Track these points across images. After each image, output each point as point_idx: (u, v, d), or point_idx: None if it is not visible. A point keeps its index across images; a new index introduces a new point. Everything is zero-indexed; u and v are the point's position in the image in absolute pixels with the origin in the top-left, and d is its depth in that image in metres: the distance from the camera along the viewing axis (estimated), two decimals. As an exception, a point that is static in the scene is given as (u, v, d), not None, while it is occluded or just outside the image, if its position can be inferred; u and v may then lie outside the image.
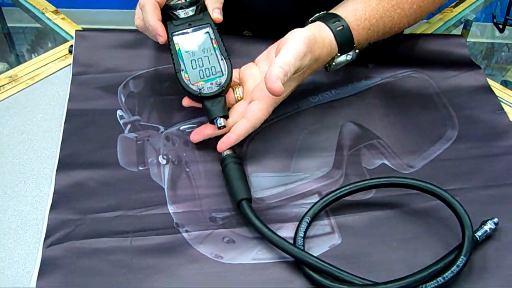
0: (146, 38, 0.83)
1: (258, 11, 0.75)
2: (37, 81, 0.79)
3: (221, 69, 0.66)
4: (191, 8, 0.70)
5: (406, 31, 0.90)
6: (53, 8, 0.94)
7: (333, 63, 0.71)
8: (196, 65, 0.67)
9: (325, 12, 0.72)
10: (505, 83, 1.21)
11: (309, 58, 0.66)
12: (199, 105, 0.68)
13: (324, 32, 0.69)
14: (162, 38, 0.67)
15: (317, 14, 0.72)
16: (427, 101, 0.78)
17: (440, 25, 0.96)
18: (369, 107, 0.76)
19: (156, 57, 0.81)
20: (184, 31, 0.69)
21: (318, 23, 0.69)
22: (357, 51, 0.72)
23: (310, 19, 0.72)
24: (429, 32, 0.93)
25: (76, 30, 0.84)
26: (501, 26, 1.04)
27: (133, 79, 0.78)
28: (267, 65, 0.69)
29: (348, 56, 0.71)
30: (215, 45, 0.68)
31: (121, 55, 0.81)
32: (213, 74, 0.66)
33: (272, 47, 0.71)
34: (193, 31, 0.69)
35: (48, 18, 0.92)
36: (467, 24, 1.02)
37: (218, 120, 0.65)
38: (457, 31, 1.02)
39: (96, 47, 0.82)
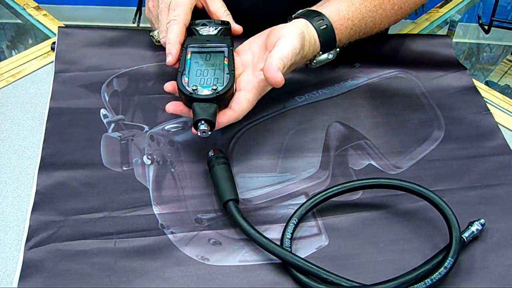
0: (131, 36, 0.82)
1: (246, 11, 0.75)
2: (19, 79, 0.77)
3: (223, 81, 0.64)
4: (213, 28, 0.71)
5: (393, 31, 0.90)
6: (34, 4, 0.92)
7: (314, 61, 0.72)
8: (200, 73, 0.65)
9: (308, 9, 0.72)
10: (488, 84, 1.22)
11: (300, 55, 0.66)
12: (183, 112, 0.66)
13: (310, 30, 0.69)
14: (172, 60, 0.67)
15: (300, 11, 0.72)
16: (414, 101, 0.78)
17: (426, 25, 0.96)
18: (356, 107, 0.76)
19: (140, 55, 0.80)
20: (201, 45, 0.69)
21: (304, 20, 0.69)
22: (338, 49, 0.72)
23: (294, 15, 0.72)
24: (415, 32, 0.94)
25: (59, 27, 0.83)
26: (486, 27, 1.04)
27: (117, 78, 0.77)
28: (251, 55, 0.69)
29: (330, 54, 0.72)
30: (225, 62, 0.67)
31: (105, 53, 0.80)
32: (213, 84, 0.63)
33: (255, 38, 0.71)
34: (209, 47, 0.69)
35: (29, 14, 0.91)
36: (452, 25, 1.02)
37: (201, 125, 0.61)
38: (443, 31, 1.02)
39: (79, 44, 0.81)
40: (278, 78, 0.60)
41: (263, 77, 0.63)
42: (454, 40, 1.15)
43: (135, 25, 0.98)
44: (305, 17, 0.70)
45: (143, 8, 0.85)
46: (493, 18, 1.04)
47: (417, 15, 0.99)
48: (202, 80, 0.64)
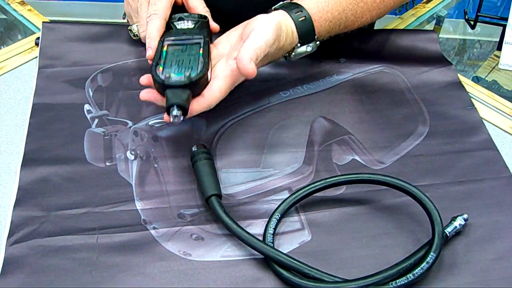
0: (115, 31, 0.82)
1: (227, 13, 0.75)
2: (2, 74, 0.77)
3: (197, 68, 0.63)
4: (191, 22, 0.71)
5: (378, 27, 0.90)
6: (19, -2, 0.92)
7: (293, 53, 0.71)
8: (175, 63, 0.64)
9: (288, 1, 0.72)
10: (476, 79, 1.22)
11: (275, 46, 0.66)
12: (157, 99, 0.65)
13: (288, 21, 0.69)
14: (152, 54, 0.66)
15: (281, 3, 0.72)
16: (399, 96, 0.78)
17: (413, 20, 0.96)
18: (340, 102, 0.76)
19: (125, 51, 0.79)
20: (177, 37, 0.69)
21: (282, 12, 0.69)
22: (318, 42, 0.72)
23: (274, 7, 0.72)
24: (402, 27, 0.94)
25: (43, 22, 0.83)
26: (472, 23, 1.05)
27: (101, 73, 0.76)
28: (228, 46, 0.69)
29: (308, 47, 0.71)
30: (200, 51, 0.66)
31: (89, 48, 0.79)
32: (187, 71, 0.62)
33: (233, 30, 0.71)
34: (186, 39, 0.69)
35: (14, 9, 0.90)
36: (439, 20, 1.02)
37: (173, 109, 0.59)
38: (430, 26, 1.02)
39: (64, 39, 0.80)
40: (250, 70, 0.60)
41: (236, 67, 0.62)
42: (443, 36, 1.15)
43: (125, 20, 0.98)
44: (284, 9, 0.70)
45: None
46: (478, 14, 1.05)
47: (407, 10, 1.00)
48: (176, 69, 0.63)
